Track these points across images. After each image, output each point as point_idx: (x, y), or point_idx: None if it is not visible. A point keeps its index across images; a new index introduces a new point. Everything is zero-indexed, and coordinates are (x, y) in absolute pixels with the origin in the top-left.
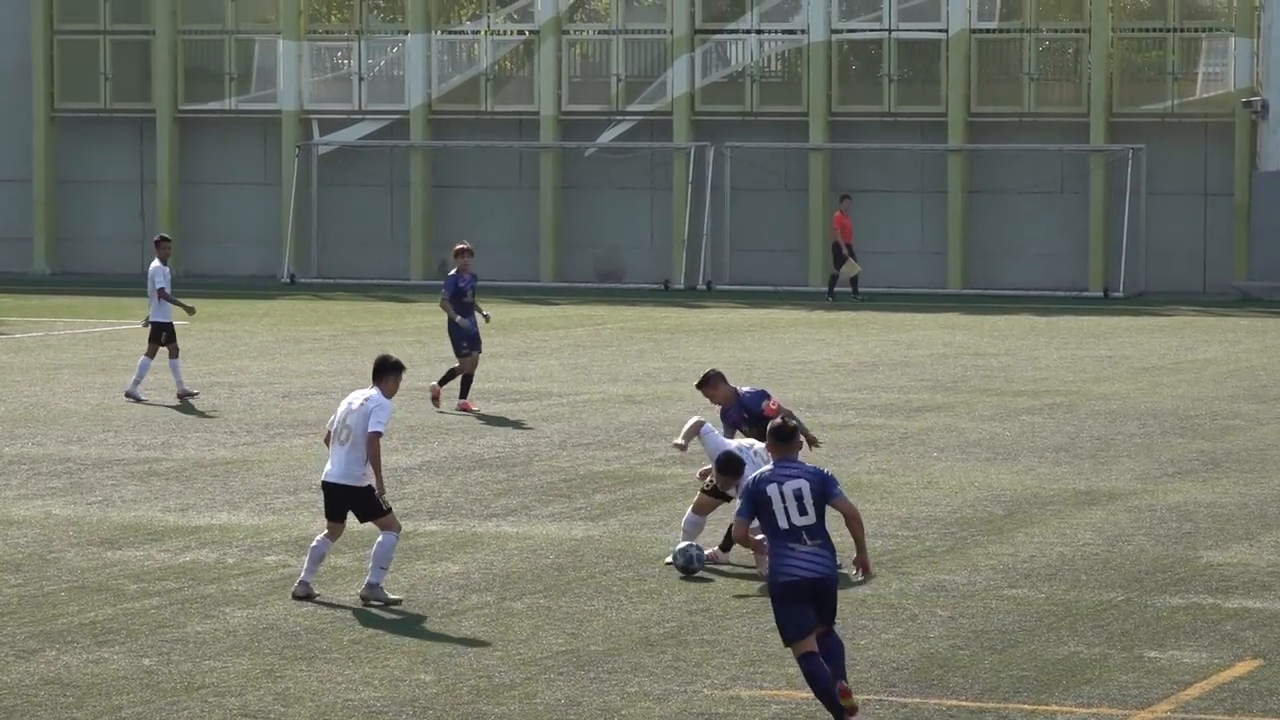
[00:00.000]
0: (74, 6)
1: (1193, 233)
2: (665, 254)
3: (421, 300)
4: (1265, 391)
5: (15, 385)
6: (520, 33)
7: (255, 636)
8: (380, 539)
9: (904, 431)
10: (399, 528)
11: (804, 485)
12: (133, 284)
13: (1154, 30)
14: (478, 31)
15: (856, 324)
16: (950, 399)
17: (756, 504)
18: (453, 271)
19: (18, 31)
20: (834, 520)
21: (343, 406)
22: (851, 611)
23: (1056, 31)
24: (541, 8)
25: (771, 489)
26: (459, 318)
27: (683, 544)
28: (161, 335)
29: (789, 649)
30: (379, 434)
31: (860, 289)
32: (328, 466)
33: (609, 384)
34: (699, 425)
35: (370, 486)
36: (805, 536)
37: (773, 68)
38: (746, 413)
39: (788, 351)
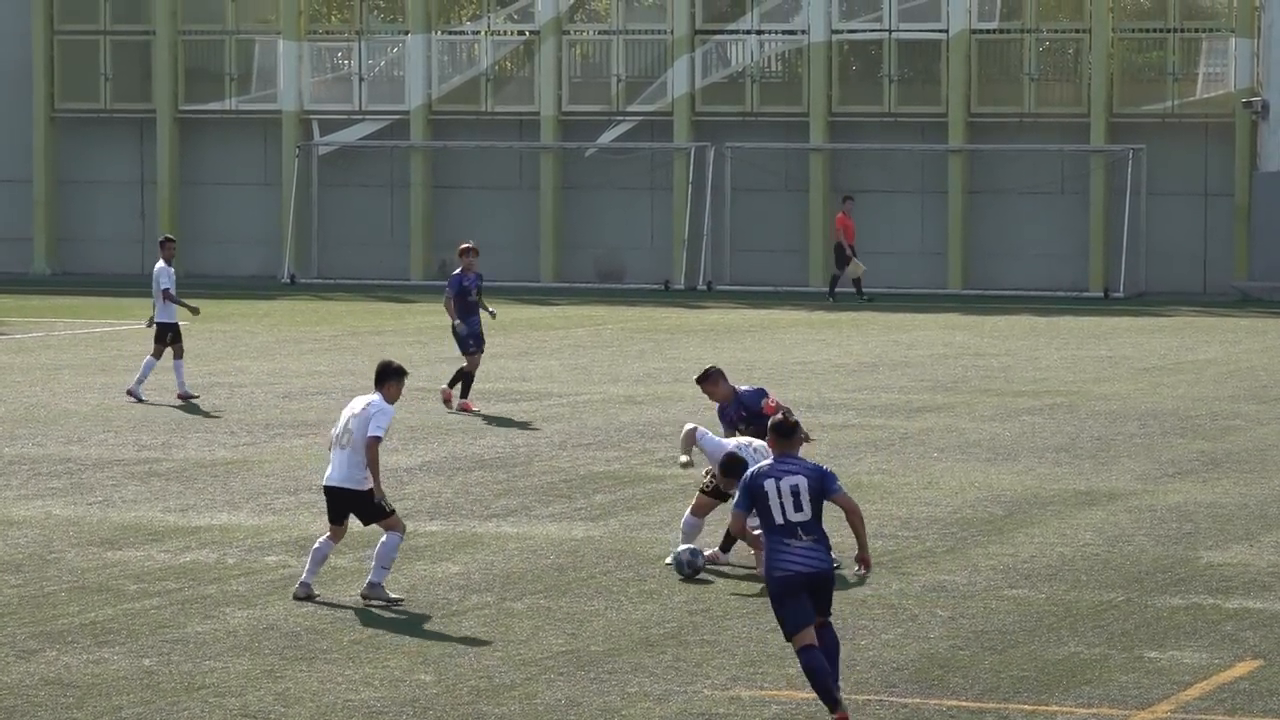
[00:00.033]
0: (74, 7)
1: (1193, 233)
2: (665, 254)
3: (422, 301)
4: (1265, 392)
5: (16, 386)
6: (520, 33)
7: (255, 637)
8: (384, 539)
9: (904, 432)
10: (403, 528)
11: (801, 482)
12: (133, 284)
13: (1154, 30)
14: (478, 32)
15: (857, 324)
16: (950, 399)
17: (753, 498)
18: (457, 271)
19: (18, 31)
20: (835, 519)
21: (345, 411)
22: (852, 612)
23: (1057, 32)
24: (542, 8)
25: (769, 484)
26: (456, 321)
27: (683, 547)
28: (167, 336)
29: (789, 644)
30: (378, 439)
31: (864, 289)
32: (329, 470)
33: (609, 384)
34: (693, 433)
35: (371, 491)
36: (801, 532)
37: (773, 68)
38: (745, 411)
39: (788, 352)
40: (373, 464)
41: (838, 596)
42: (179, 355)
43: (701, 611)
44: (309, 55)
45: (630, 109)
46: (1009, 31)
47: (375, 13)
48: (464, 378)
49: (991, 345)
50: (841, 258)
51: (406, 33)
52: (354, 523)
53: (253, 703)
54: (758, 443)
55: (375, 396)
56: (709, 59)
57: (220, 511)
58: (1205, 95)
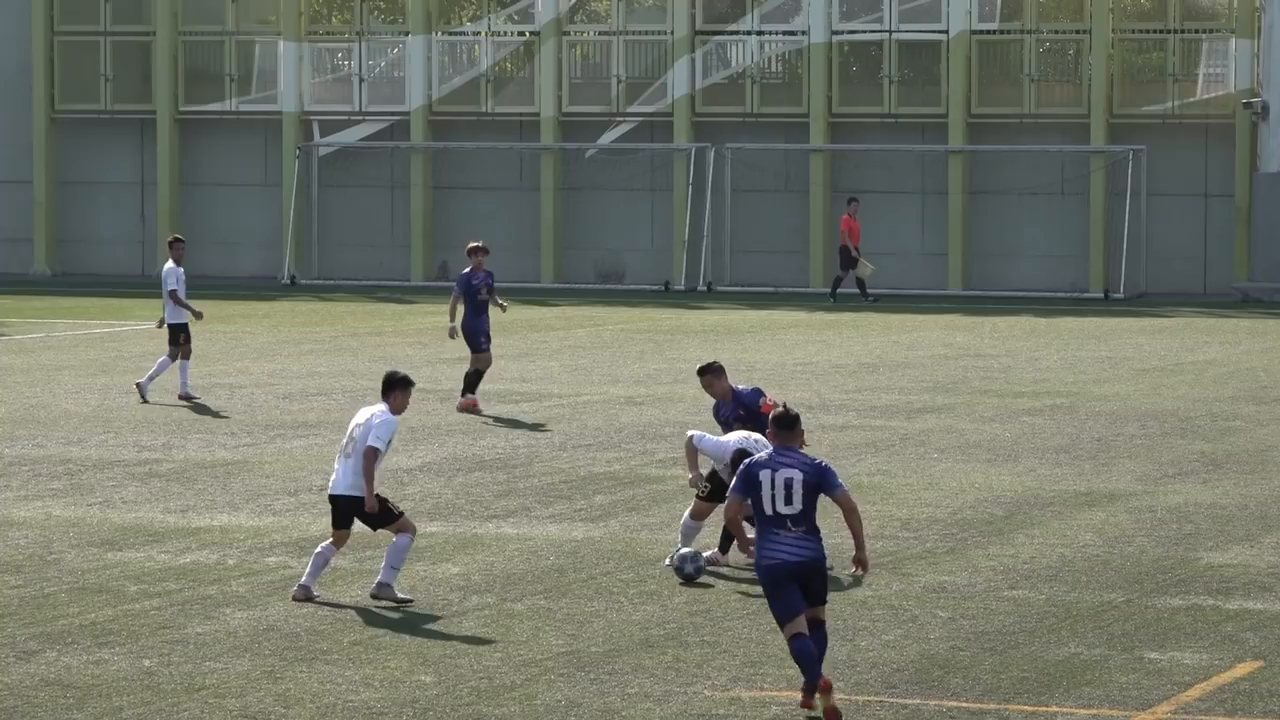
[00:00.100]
0: (74, 8)
1: (1193, 234)
2: (666, 255)
3: (422, 301)
4: (1266, 393)
5: (16, 387)
6: (521, 34)
7: (256, 638)
8: (394, 540)
9: (904, 433)
10: (414, 530)
11: (796, 475)
12: (133, 285)
13: (1154, 31)
14: (478, 33)
15: (857, 325)
16: (951, 400)
17: (748, 486)
18: (466, 270)
19: (18, 33)
20: (836, 520)
21: (352, 421)
22: (852, 613)
23: (1057, 33)
24: (542, 9)
25: (764, 474)
26: (453, 324)
27: (683, 550)
28: (180, 336)
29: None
30: (375, 450)
31: (869, 291)
32: (333, 479)
33: (609, 385)
34: (690, 442)
35: (378, 497)
36: (790, 524)
37: (773, 69)
38: (743, 409)
39: (788, 352)
40: (367, 473)
41: (838, 598)
42: (185, 356)
43: (702, 612)
44: (309, 56)
45: (630, 110)
46: (1009, 32)
47: (375, 14)
48: (473, 376)
49: (992, 346)
50: (847, 259)
51: (407, 34)
52: (358, 524)
53: (253, 704)
54: (757, 436)
55: (381, 407)
56: (709, 60)
57: (220, 512)
58: (1205, 96)
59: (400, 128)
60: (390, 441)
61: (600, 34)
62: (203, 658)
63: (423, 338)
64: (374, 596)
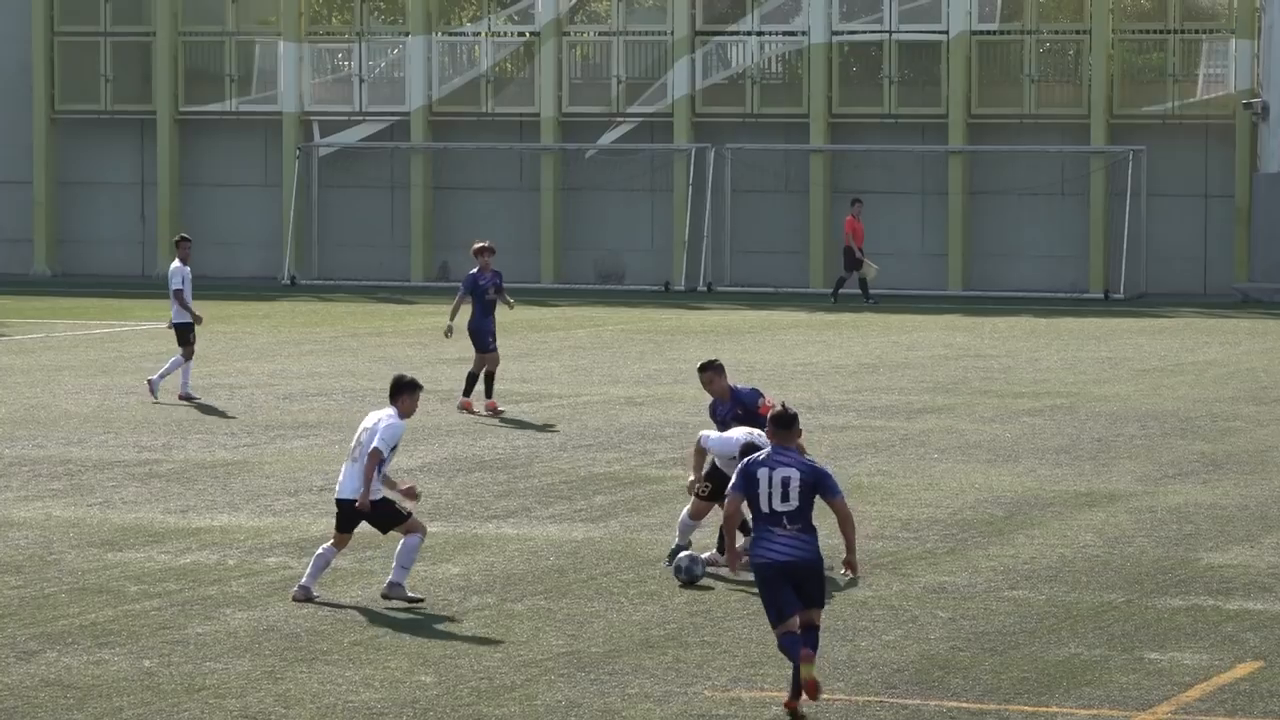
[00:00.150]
0: (74, 8)
1: (1193, 234)
2: (666, 255)
3: (422, 302)
4: (1266, 393)
5: (16, 387)
6: (521, 34)
7: (256, 638)
8: (404, 540)
9: (904, 433)
10: (424, 530)
11: (794, 474)
12: (134, 286)
13: (1154, 32)
14: (478, 33)
15: (857, 326)
16: (951, 401)
17: (747, 484)
18: (474, 270)
19: (18, 33)
20: (829, 522)
21: (360, 425)
22: (852, 613)
23: (1057, 33)
24: (542, 9)
25: (762, 472)
26: (450, 322)
27: (683, 554)
28: (189, 335)
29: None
30: (378, 450)
31: (870, 292)
32: (340, 482)
33: (609, 385)
34: (700, 443)
35: (385, 499)
36: (785, 522)
37: (773, 69)
38: (741, 409)
39: (788, 353)
40: (367, 474)
41: (838, 598)
42: (187, 357)
43: (702, 613)
44: (309, 56)
45: (630, 110)
46: (1009, 33)
47: (375, 14)
48: (470, 376)
49: (992, 346)
50: (850, 260)
51: (407, 34)
52: (361, 525)
53: (253, 704)
54: (759, 432)
55: (390, 410)
56: (709, 60)
57: (220, 513)
58: (1205, 96)
59: (400, 128)
60: (396, 446)
61: (600, 34)
62: (203, 658)
63: (423, 338)
64: (384, 596)
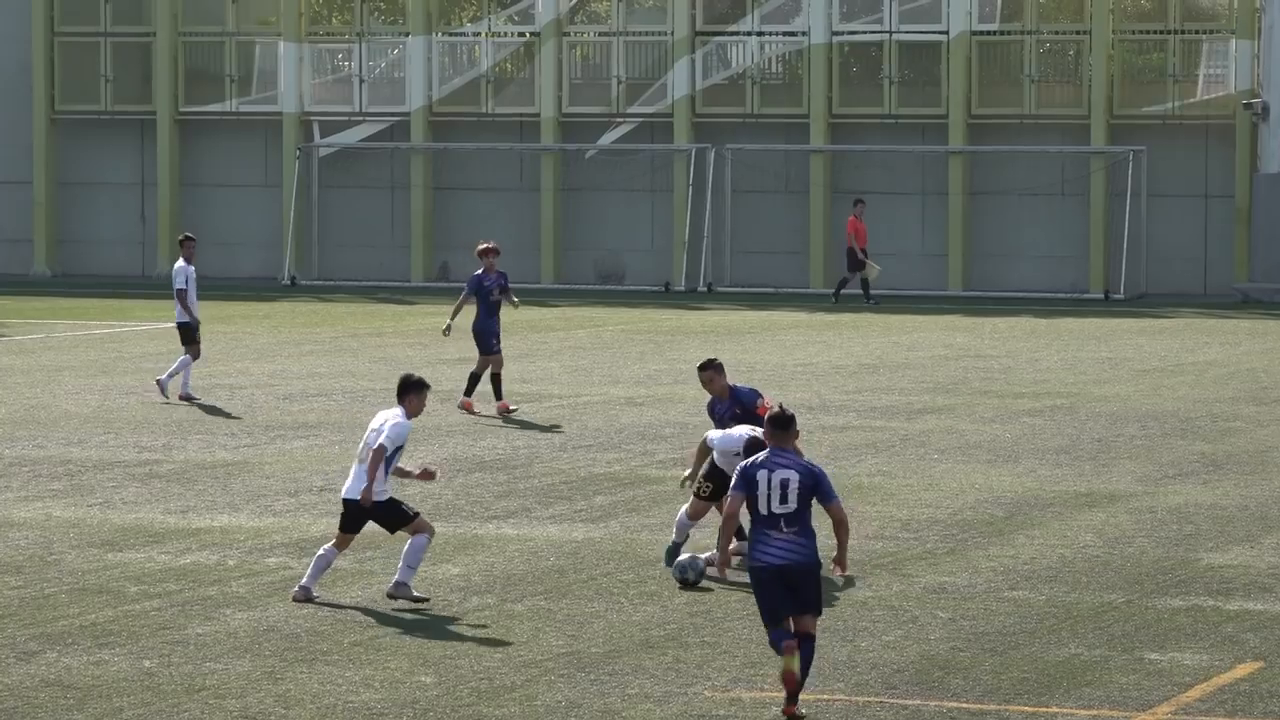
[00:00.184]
0: (75, 8)
1: (1193, 235)
2: (666, 256)
3: (422, 302)
4: (1266, 394)
5: (16, 387)
6: (521, 34)
7: (256, 638)
8: (411, 540)
9: (905, 433)
10: (431, 530)
11: (793, 476)
12: (134, 286)
13: (1154, 32)
14: (478, 33)
15: (857, 326)
16: (951, 401)
17: (748, 485)
18: (478, 271)
19: (18, 34)
20: (824, 526)
21: (369, 426)
22: (853, 613)
23: (1057, 33)
24: (542, 9)
25: (760, 474)
26: (450, 321)
27: (684, 555)
28: (194, 335)
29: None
30: (383, 448)
31: (871, 293)
32: (347, 483)
33: (609, 386)
34: (705, 442)
35: (391, 499)
36: (783, 524)
37: (773, 70)
38: (739, 408)
39: (788, 353)
40: (370, 470)
41: (839, 599)
42: (195, 356)
43: (702, 613)
44: (309, 57)
45: (631, 111)
46: (1009, 33)
47: (376, 14)
48: (475, 379)
49: (992, 347)
50: (853, 261)
51: (407, 34)
52: (368, 525)
53: (253, 704)
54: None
55: (397, 410)
56: (709, 61)
57: (221, 513)
58: (1205, 97)
59: (400, 128)
60: (401, 445)
61: (600, 35)
62: (203, 658)
63: (423, 339)
64: (390, 596)
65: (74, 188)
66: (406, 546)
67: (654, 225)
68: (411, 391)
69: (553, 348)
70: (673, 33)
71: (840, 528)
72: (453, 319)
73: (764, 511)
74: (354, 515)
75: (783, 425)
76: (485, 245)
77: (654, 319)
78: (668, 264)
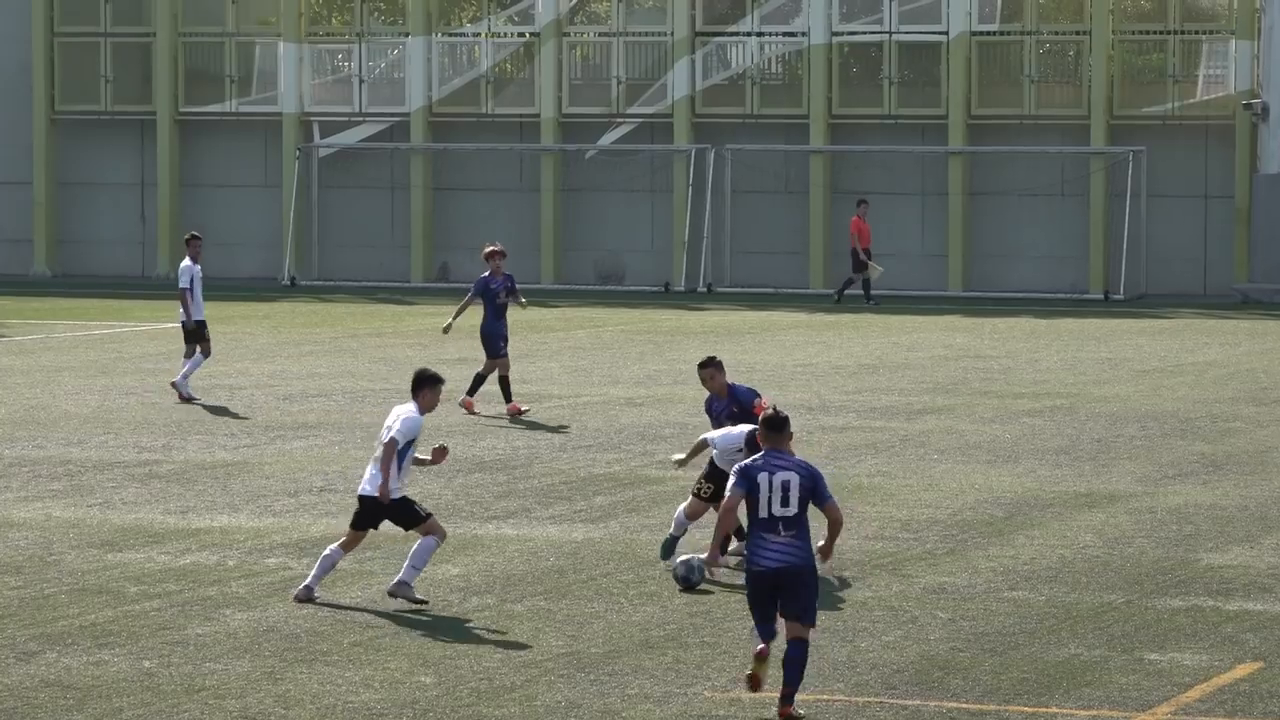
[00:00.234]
0: (74, 9)
1: (1193, 235)
2: (666, 256)
3: (422, 303)
4: (1265, 394)
5: (16, 388)
6: (521, 35)
7: (256, 639)
8: (421, 540)
9: (904, 434)
10: (443, 533)
11: (793, 478)
12: (133, 287)
13: (1154, 33)
14: (478, 34)
15: (857, 326)
16: (951, 401)
17: (749, 486)
18: (485, 274)
19: (18, 34)
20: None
21: (385, 422)
22: (852, 614)
23: (1057, 34)
24: (542, 10)
25: (761, 477)
26: (451, 321)
27: (683, 556)
28: (203, 333)
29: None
30: (395, 441)
31: (871, 293)
32: (365, 479)
33: (609, 386)
34: (705, 440)
35: (405, 498)
36: (781, 528)
37: (773, 70)
38: (737, 406)
39: (788, 354)
40: (383, 464)
41: (838, 598)
42: (190, 355)
43: (701, 614)
44: (309, 57)
45: (630, 111)
46: (1009, 33)
47: (375, 15)
48: (480, 380)
49: (992, 347)
50: (858, 262)
51: (407, 35)
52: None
53: (253, 705)
54: None
55: (411, 405)
56: (709, 61)
57: (220, 514)
58: (1205, 97)
59: (400, 129)
60: (413, 439)
61: (600, 35)
62: (203, 659)
63: (422, 339)
64: (391, 594)
65: (74, 188)
66: (415, 546)
67: (654, 226)
68: (426, 386)
69: (552, 348)
70: (672, 33)
71: (834, 527)
72: (454, 318)
73: (764, 514)
74: (369, 511)
75: (777, 427)
76: (492, 248)
77: (654, 319)
78: (667, 264)
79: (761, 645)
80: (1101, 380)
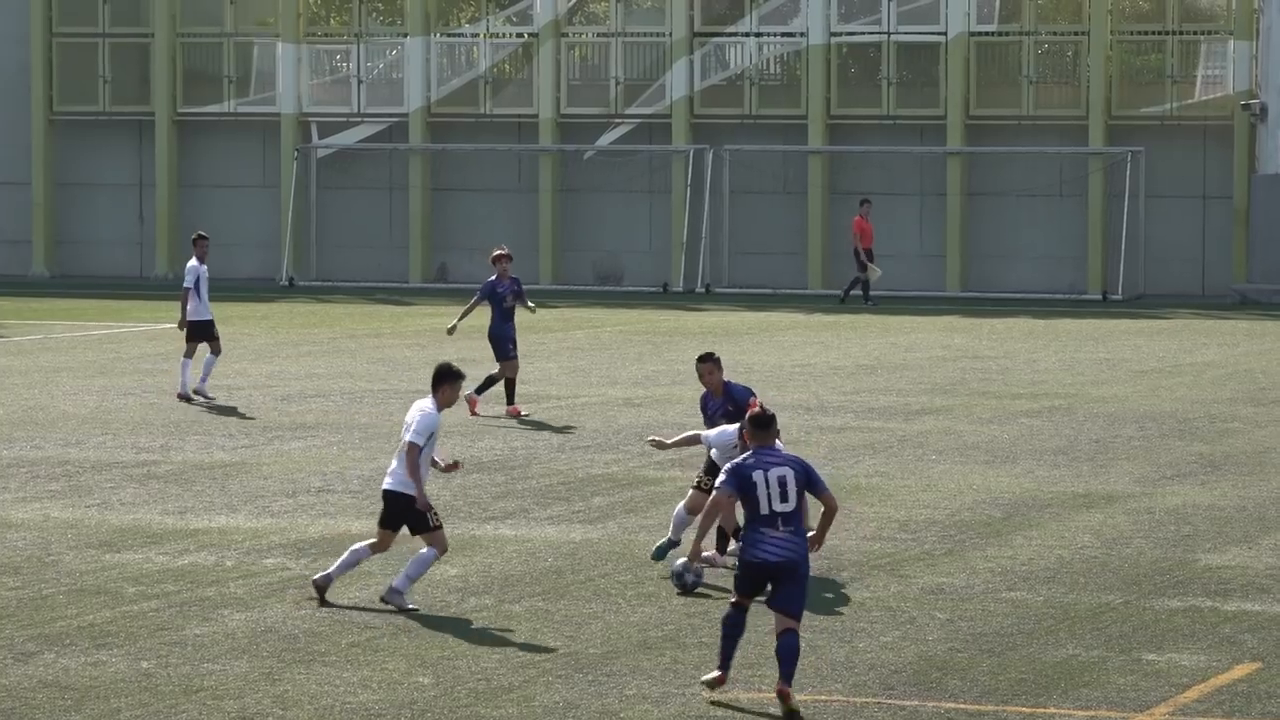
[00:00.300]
0: (73, 9)
1: (1191, 235)
2: (664, 257)
3: (420, 303)
4: (1264, 394)
5: (14, 388)
6: (519, 35)
7: (254, 639)
8: (422, 551)
9: (902, 434)
10: (445, 547)
11: (789, 473)
12: (132, 287)
13: (1153, 33)
14: (476, 34)
15: (855, 327)
16: (949, 402)
17: (742, 487)
18: (492, 278)
19: (17, 34)
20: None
21: (405, 418)
22: (850, 614)
23: (1055, 34)
24: (540, 10)
25: (757, 475)
26: (455, 323)
27: (682, 559)
28: (212, 330)
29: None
30: (416, 445)
31: (870, 294)
32: (388, 470)
33: (607, 387)
34: (695, 439)
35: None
36: (780, 523)
37: (772, 70)
38: (732, 405)
39: (786, 354)
40: (411, 470)
41: (837, 598)
42: (189, 355)
43: (699, 614)
44: (308, 58)
45: (629, 111)
46: (1008, 34)
47: (374, 15)
48: (488, 379)
49: (990, 348)
50: (860, 261)
51: (405, 35)
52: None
53: (251, 705)
54: None
55: (429, 401)
56: (708, 61)
57: (218, 514)
58: (1204, 98)
59: (399, 129)
60: (430, 437)
61: (599, 35)
62: (201, 659)
63: (421, 339)
64: (382, 600)
65: (72, 188)
66: (414, 556)
67: (652, 226)
68: (446, 382)
69: (551, 349)
70: (671, 34)
71: (830, 515)
72: (459, 320)
73: (765, 511)
74: (392, 507)
75: (764, 425)
76: (499, 252)
77: (652, 320)
78: (666, 265)
79: (718, 673)
80: (1100, 381)
